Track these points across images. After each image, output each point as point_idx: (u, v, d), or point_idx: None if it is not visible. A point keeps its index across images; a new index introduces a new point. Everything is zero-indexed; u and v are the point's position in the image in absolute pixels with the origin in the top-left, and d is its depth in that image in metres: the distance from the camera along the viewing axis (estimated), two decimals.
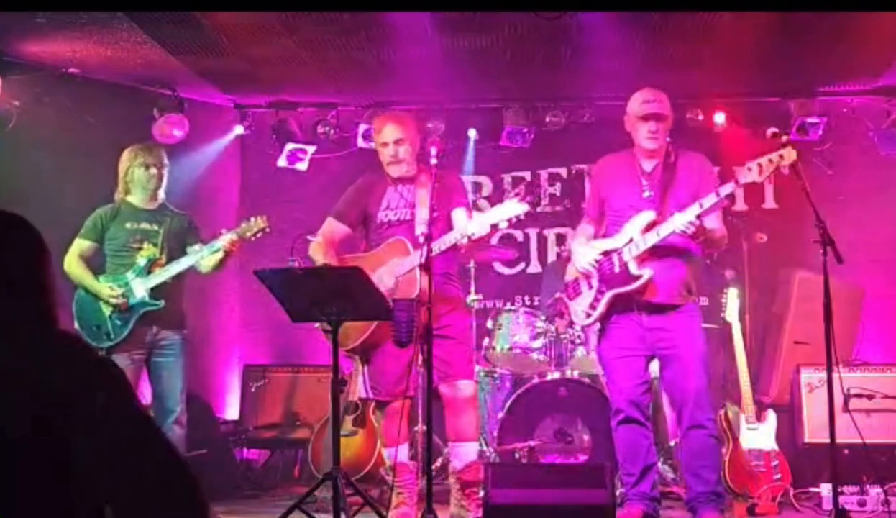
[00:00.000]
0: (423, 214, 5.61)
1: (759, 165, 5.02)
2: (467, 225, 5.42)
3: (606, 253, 5.51)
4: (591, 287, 5.61)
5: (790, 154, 5.03)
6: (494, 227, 5.36)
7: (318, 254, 5.84)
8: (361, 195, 5.95)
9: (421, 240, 5.28)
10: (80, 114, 7.46)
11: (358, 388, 6.06)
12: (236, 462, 8.14)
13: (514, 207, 5.27)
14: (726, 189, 5.13)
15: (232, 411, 8.48)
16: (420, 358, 5.51)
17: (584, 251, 5.63)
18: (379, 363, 5.74)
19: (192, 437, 6.46)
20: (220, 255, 6.20)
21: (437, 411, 5.52)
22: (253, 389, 8.11)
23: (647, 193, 5.49)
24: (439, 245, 5.42)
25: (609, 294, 5.49)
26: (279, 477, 8.08)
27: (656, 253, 5.38)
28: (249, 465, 8.29)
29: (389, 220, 5.79)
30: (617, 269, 5.44)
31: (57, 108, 7.33)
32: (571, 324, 7.11)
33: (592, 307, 5.60)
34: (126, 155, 6.39)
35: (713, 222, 5.42)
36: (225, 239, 6.15)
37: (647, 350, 5.52)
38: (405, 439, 5.81)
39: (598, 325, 5.81)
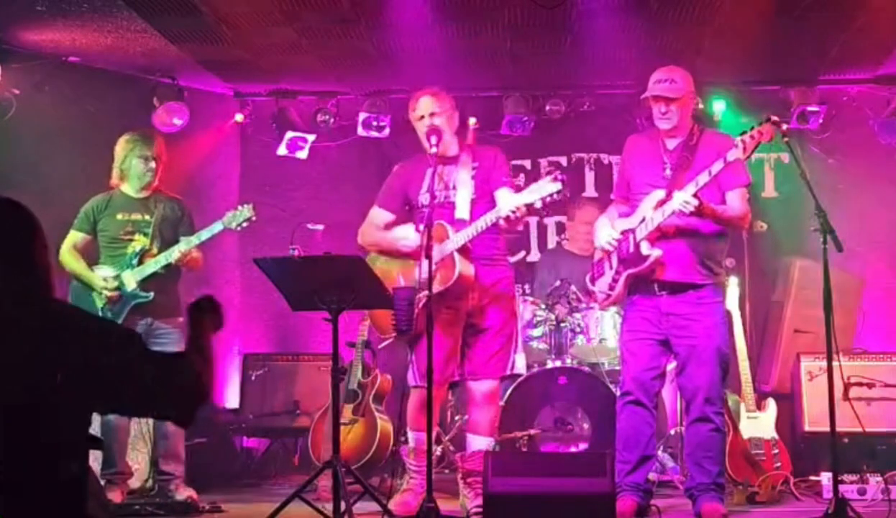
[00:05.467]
0: (463, 195, 5.58)
1: (743, 142, 4.98)
2: (500, 206, 5.31)
3: (625, 232, 5.49)
4: (611, 267, 5.61)
5: (768, 129, 4.99)
6: (530, 207, 5.22)
7: (370, 237, 5.84)
8: (401, 181, 5.91)
9: (421, 228, 5.24)
10: (79, 102, 7.46)
11: (408, 377, 5.98)
12: (236, 451, 8.17)
13: (548, 186, 5.17)
14: (716, 166, 5.07)
15: (232, 400, 8.48)
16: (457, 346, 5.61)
17: (606, 230, 5.61)
18: (423, 352, 5.65)
19: (191, 426, 6.46)
20: (176, 255, 6.15)
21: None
22: (253, 378, 8.10)
23: (667, 173, 5.44)
24: (475, 228, 5.37)
25: (625, 274, 5.47)
26: (279, 466, 8.08)
27: (668, 232, 5.34)
28: (249, 454, 8.31)
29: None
30: (631, 249, 5.42)
31: (56, 97, 7.33)
32: (571, 312, 7.12)
33: (611, 288, 5.58)
34: (123, 143, 6.35)
35: (734, 200, 5.38)
36: (185, 243, 6.13)
37: (663, 334, 5.45)
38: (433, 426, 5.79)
39: (604, 312, 5.79)
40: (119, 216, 6.26)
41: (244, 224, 6.19)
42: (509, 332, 5.74)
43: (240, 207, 6.18)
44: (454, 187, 5.64)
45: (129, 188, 6.34)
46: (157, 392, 2.68)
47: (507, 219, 5.24)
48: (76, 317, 2.59)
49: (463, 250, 5.39)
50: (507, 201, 5.28)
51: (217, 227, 6.16)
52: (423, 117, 5.70)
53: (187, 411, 2.80)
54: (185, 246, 6.15)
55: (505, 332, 5.71)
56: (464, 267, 5.31)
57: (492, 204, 5.51)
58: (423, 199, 5.67)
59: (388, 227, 5.85)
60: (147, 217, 6.26)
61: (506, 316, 5.72)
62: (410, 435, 5.84)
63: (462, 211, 5.54)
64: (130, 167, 6.30)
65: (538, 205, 5.21)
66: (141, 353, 2.69)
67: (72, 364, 2.45)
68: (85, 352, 2.47)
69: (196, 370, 2.80)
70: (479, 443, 5.72)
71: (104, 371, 2.50)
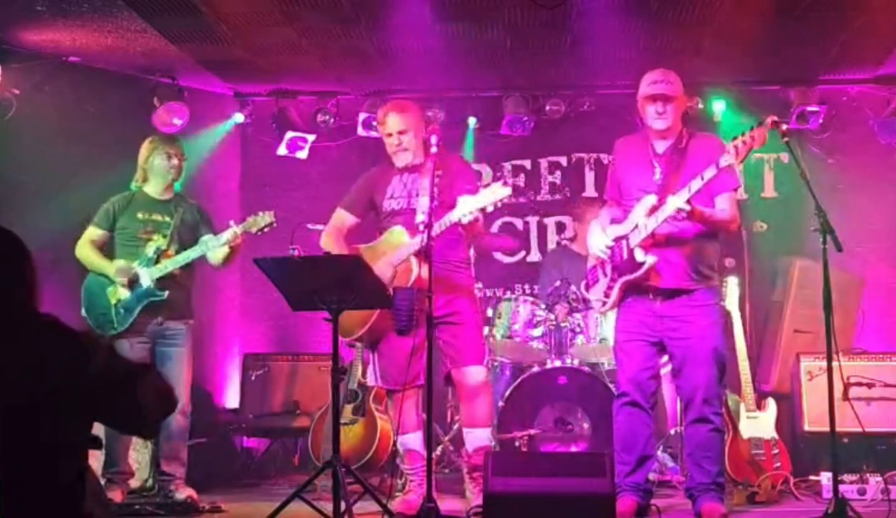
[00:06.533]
0: (424, 202, 5.61)
1: (735, 147, 4.98)
2: (454, 211, 5.41)
3: (618, 239, 5.49)
4: (605, 274, 5.61)
5: (760, 133, 4.99)
6: (482, 211, 5.36)
7: (329, 243, 5.91)
8: (368, 186, 6.01)
9: (421, 228, 5.29)
10: (79, 102, 7.46)
11: (367, 376, 6.03)
12: (236, 451, 8.17)
13: (498, 191, 5.29)
14: (709, 172, 5.06)
15: (232, 400, 8.49)
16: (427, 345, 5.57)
17: (599, 237, 5.60)
18: (387, 352, 5.75)
19: (192, 426, 6.47)
20: (226, 249, 6.23)
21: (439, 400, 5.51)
22: (253, 378, 8.11)
23: (657, 177, 5.44)
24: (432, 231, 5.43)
25: (620, 282, 5.46)
26: (279, 466, 8.09)
27: (661, 238, 5.34)
28: (249, 454, 8.31)
29: (392, 209, 5.83)
30: (625, 256, 5.42)
31: (56, 97, 7.33)
32: (571, 312, 7.12)
33: (606, 295, 5.58)
34: (147, 143, 6.42)
35: (723, 204, 5.39)
36: (230, 232, 6.17)
37: (657, 337, 5.45)
38: (417, 427, 5.82)
39: (601, 313, 5.79)
40: (140, 215, 6.30)
41: (265, 229, 6.23)
42: (479, 325, 5.90)
43: (261, 213, 6.23)
44: (416, 194, 5.73)
45: (151, 188, 6.38)
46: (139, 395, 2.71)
47: (463, 224, 5.41)
48: (61, 327, 2.63)
49: (420, 255, 5.43)
50: (460, 206, 5.39)
51: (237, 230, 6.19)
52: (391, 134, 5.84)
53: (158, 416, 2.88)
54: (216, 241, 6.21)
55: (476, 324, 5.84)
56: (421, 270, 5.32)
57: (452, 209, 5.60)
58: (388, 204, 5.86)
59: (353, 230, 6.01)
60: (167, 219, 6.30)
61: (474, 310, 5.84)
62: (397, 439, 5.88)
63: (422, 216, 5.58)
64: (153, 166, 6.35)
65: (490, 209, 5.36)
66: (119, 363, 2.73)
67: (64, 372, 2.47)
68: (74, 362, 2.50)
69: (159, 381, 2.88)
70: (481, 434, 5.78)
71: (91, 381, 2.52)
